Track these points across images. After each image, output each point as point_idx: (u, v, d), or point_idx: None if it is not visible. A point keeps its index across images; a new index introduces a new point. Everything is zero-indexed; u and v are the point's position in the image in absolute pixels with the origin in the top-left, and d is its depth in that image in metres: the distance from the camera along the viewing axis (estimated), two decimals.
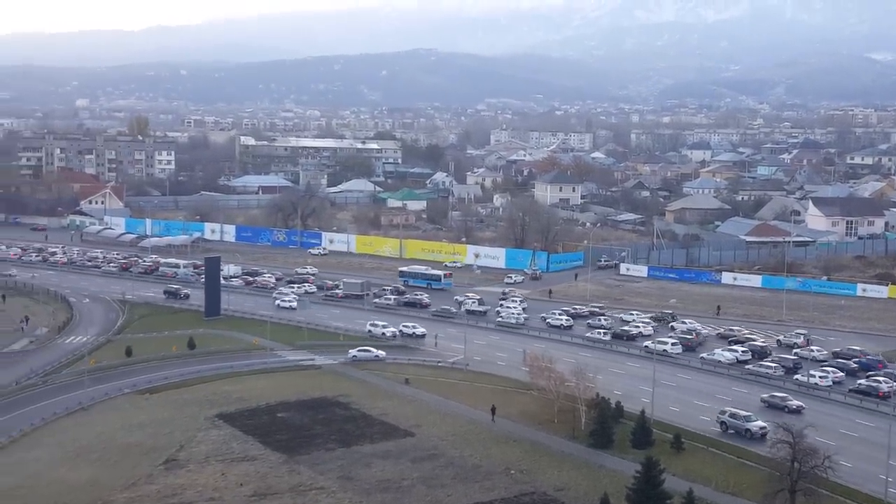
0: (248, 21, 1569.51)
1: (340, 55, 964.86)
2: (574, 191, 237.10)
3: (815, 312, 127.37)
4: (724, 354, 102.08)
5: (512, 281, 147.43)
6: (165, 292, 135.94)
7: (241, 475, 69.20)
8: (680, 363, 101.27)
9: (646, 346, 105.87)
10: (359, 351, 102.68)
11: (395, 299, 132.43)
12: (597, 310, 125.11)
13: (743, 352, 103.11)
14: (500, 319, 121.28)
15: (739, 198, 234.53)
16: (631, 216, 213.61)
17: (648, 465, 62.14)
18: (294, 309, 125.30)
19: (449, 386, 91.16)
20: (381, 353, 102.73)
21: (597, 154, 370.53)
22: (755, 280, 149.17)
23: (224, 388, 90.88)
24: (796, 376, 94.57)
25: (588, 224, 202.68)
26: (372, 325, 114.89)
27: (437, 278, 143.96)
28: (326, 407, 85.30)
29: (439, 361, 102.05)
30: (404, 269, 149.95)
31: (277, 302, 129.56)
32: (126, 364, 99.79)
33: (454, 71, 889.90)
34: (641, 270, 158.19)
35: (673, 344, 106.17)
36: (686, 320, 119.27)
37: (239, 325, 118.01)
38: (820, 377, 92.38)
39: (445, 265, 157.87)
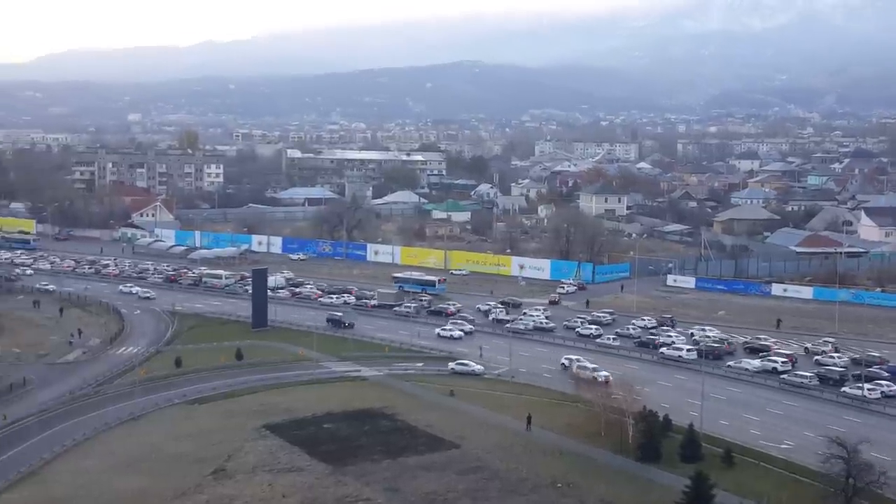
0: (295, 35, 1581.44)
1: (386, 68, 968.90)
2: (619, 202, 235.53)
3: (870, 325, 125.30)
4: (751, 363, 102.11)
5: (564, 291, 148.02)
6: (329, 320, 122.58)
7: (287, 486, 69.28)
8: (729, 376, 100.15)
9: (661, 353, 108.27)
10: (457, 364, 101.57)
11: (415, 307, 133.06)
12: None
13: (783, 362, 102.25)
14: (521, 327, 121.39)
15: (789, 208, 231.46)
16: (678, 227, 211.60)
17: (698, 480, 61.22)
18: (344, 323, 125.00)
19: (494, 398, 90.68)
20: (479, 367, 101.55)
21: (642, 164, 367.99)
22: (806, 292, 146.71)
23: (271, 399, 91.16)
24: (843, 388, 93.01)
25: (634, 235, 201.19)
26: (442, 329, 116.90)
27: (432, 283, 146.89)
28: (372, 418, 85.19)
29: (485, 373, 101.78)
30: (399, 274, 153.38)
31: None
32: (175, 375, 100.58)
33: (498, 82, 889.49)
34: (689, 282, 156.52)
35: (688, 350, 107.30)
36: (706, 327, 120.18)
37: (286, 336, 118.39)
38: (868, 389, 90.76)
39: (451, 272, 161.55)
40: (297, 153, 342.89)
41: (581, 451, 76.55)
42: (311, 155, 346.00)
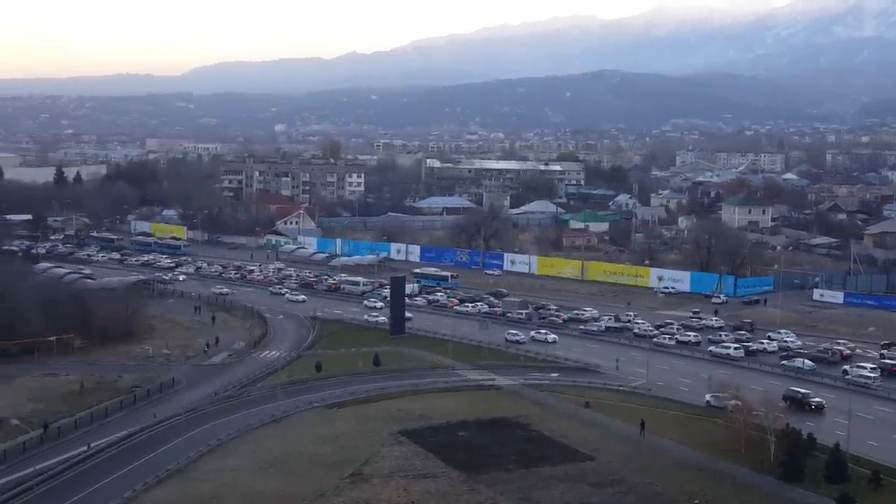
0: (436, 46, 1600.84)
1: (525, 78, 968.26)
2: (764, 213, 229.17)
3: None
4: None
5: (720, 301, 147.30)
6: (786, 398, 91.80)
7: (422, 492, 69.95)
8: (879, 394, 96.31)
9: (710, 350, 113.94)
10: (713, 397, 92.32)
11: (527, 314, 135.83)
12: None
13: (871, 369, 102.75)
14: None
15: None
16: (825, 240, 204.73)
17: (844, 502, 59.24)
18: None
19: (630, 410, 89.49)
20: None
21: (789, 175, 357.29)
22: None
23: (407, 405, 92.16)
24: None
25: (779, 248, 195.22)
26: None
27: (445, 278, 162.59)
28: (506, 427, 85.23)
29: (620, 385, 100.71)
30: (418, 270, 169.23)
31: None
32: (315, 379, 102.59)
33: (639, 92, 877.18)
34: (836, 297, 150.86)
35: (735, 349, 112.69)
36: (782, 330, 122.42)
37: (422, 343, 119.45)
38: None
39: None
40: (436, 163, 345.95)
41: (720, 468, 74.87)
42: (450, 164, 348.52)
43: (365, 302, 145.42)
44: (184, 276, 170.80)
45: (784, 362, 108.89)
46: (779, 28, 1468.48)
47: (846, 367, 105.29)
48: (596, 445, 79.91)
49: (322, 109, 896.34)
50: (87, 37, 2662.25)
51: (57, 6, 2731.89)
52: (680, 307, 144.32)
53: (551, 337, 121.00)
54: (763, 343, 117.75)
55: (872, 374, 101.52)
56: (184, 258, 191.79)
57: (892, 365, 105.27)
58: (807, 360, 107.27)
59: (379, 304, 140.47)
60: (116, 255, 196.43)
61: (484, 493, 69.78)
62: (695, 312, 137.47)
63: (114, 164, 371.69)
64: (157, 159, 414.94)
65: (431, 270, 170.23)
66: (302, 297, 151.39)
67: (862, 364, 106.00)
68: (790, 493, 70.09)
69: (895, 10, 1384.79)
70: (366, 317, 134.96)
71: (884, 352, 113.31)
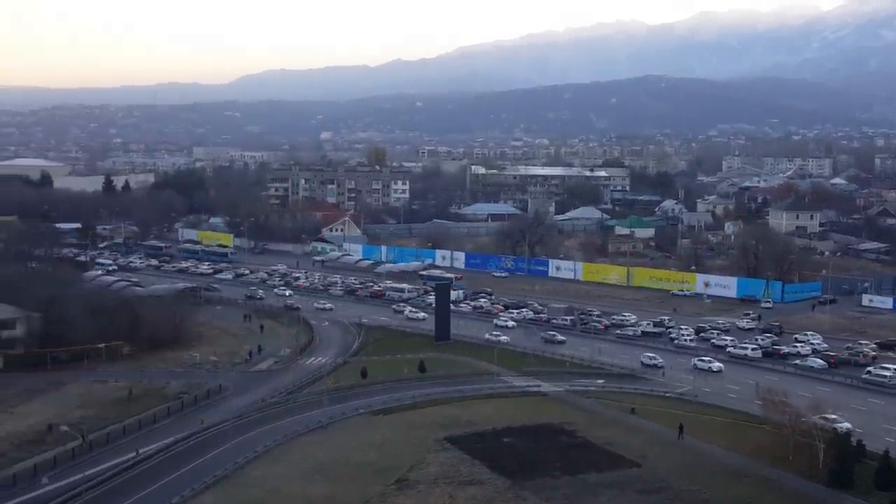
0: (480, 53, 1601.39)
1: (570, 83, 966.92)
2: (812, 218, 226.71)
3: None
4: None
5: (769, 306, 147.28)
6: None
7: (468, 498, 69.79)
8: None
9: (728, 350, 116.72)
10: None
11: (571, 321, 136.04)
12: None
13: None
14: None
15: None
16: (875, 245, 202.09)
17: None
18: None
19: (677, 417, 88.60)
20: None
21: (837, 180, 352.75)
22: None
23: (452, 412, 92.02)
24: None
25: (827, 253, 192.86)
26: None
27: (450, 280, 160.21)
28: (551, 434, 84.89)
29: (667, 392, 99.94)
30: (423, 273, 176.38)
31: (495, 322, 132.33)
32: (361, 385, 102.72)
33: (685, 96, 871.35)
34: (886, 302, 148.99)
35: (753, 349, 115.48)
36: (808, 332, 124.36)
37: (467, 349, 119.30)
38: None
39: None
40: (480, 169, 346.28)
41: (767, 475, 73.99)
42: (495, 171, 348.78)
43: (406, 311, 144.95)
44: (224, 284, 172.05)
45: (797, 362, 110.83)
46: (826, 32, 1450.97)
47: (870, 368, 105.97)
48: (642, 452, 79.31)
49: (367, 117, 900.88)
50: (134, 46, 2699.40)
51: (106, 16, 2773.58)
52: (727, 314, 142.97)
53: (716, 366, 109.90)
54: (796, 346, 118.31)
55: (889, 374, 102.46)
56: (227, 265, 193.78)
57: None
58: (819, 360, 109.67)
59: (421, 314, 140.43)
60: (155, 262, 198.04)
61: (530, 500, 69.48)
62: (745, 314, 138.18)
63: (161, 172, 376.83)
64: (203, 167, 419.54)
65: (437, 273, 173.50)
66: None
67: (885, 365, 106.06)
68: (839, 500, 69.19)
69: None
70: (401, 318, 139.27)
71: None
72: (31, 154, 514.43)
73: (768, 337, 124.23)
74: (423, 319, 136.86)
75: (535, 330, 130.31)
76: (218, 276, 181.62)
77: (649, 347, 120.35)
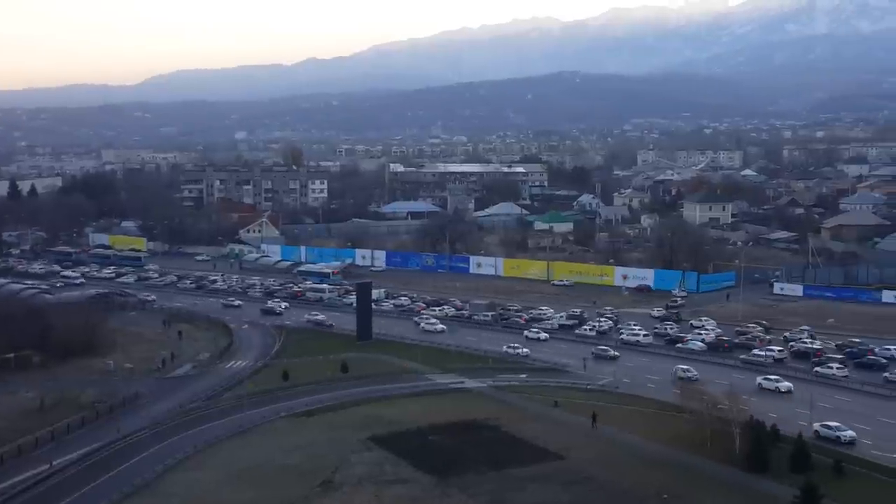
0: (395, 51, 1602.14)
1: (486, 80, 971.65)
2: (724, 210, 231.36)
3: None
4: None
5: (684, 296, 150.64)
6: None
7: (394, 498, 69.75)
8: (841, 385, 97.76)
9: (621, 338, 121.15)
10: (764, 379, 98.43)
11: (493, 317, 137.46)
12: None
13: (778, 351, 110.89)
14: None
15: None
16: (784, 234, 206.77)
17: (808, 491, 59.76)
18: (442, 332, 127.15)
19: (598, 409, 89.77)
20: (788, 384, 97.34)
21: (747, 171, 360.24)
22: None
23: (376, 411, 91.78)
24: None
25: (739, 243, 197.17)
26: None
27: (328, 275, 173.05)
28: (476, 430, 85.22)
29: (588, 384, 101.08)
30: (302, 268, 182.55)
31: (422, 325, 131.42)
32: (282, 388, 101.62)
33: (600, 92, 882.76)
34: (796, 290, 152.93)
35: (644, 336, 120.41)
36: (703, 318, 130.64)
37: (390, 348, 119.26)
38: None
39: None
40: (399, 167, 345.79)
41: (687, 462, 75.40)
42: (414, 169, 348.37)
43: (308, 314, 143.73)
44: (154, 297, 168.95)
45: (679, 345, 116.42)
46: (734, 27, 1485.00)
47: (756, 350, 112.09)
48: (566, 444, 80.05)
49: (283, 116, 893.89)
50: (39, 47, 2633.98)
51: (8, 15, 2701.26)
52: (645, 304, 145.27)
53: (612, 354, 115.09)
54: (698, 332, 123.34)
55: (772, 356, 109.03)
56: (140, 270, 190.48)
57: (795, 347, 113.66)
58: (699, 343, 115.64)
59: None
60: (55, 267, 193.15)
61: (455, 497, 69.69)
62: (668, 307, 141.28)
63: (69, 176, 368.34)
64: (114, 170, 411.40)
65: (315, 268, 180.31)
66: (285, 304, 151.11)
67: (771, 347, 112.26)
68: (755, 483, 70.73)
69: (847, 7, 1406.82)
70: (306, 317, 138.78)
71: (786, 334, 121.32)
72: None
73: (668, 324, 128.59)
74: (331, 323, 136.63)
75: (457, 326, 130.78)
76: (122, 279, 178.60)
77: (566, 341, 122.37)
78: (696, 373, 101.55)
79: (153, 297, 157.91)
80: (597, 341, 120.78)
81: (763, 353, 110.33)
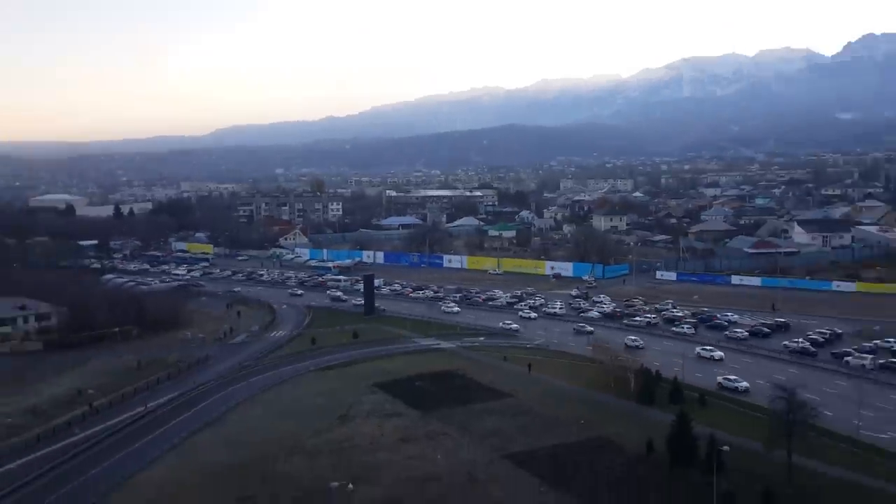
0: (392, 110, 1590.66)
1: (455, 131, 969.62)
2: (621, 220, 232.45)
3: (799, 303, 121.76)
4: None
5: (593, 281, 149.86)
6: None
7: (391, 426, 69.70)
8: (695, 340, 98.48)
9: (543, 310, 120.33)
10: (702, 349, 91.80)
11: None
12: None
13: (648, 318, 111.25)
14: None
15: (742, 221, 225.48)
16: (663, 237, 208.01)
17: (681, 417, 60.20)
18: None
19: (536, 362, 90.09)
20: (720, 353, 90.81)
21: (637, 193, 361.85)
22: (756, 281, 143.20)
23: (378, 366, 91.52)
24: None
25: (631, 244, 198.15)
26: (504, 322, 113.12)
27: (329, 268, 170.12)
28: (449, 377, 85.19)
29: (527, 344, 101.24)
30: (313, 263, 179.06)
31: (443, 308, 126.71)
32: (311, 350, 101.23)
33: (534, 139, 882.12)
34: (671, 276, 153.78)
35: (560, 308, 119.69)
36: (602, 295, 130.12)
37: (387, 321, 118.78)
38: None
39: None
40: (392, 193, 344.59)
41: (597, 398, 75.84)
42: (403, 194, 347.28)
43: (328, 292, 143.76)
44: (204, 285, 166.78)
45: (582, 314, 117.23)
46: (627, 92, 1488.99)
47: (637, 317, 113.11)
48: (513, 387, 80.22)
49: (310, 157, 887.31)
50: (134, 109, 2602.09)
51: (112, 86, 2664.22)
52: (566, 287, 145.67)
53: (533, 315, 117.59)
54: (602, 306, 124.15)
55: (647, 321, 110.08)
56: (206, 266, 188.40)
57: (665, 314, 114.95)
58: (595, 313, 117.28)
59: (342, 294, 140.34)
60: (148, 267, 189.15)
61: (435, 425, 69.75)
62: (579, 288, 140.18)
63: (157, 201, 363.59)
64: (189, 197, 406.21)
65: (323, 263, 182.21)
66: (300, 291, 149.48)
67: (646, 315, 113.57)
68: (645, 412, 71.27)
69: (704, 78, 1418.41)
70: (327, 301, 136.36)
71: (656, 306, 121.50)
72: (58, 191, 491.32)
73: (580, 301, 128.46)
74: (347, 301, 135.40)
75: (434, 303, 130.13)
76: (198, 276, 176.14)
77: (506, 314, 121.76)
78: (592, 329, 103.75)
79: (238, 288, 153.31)
80: (534, 313, 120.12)
81: (641, 318, 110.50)
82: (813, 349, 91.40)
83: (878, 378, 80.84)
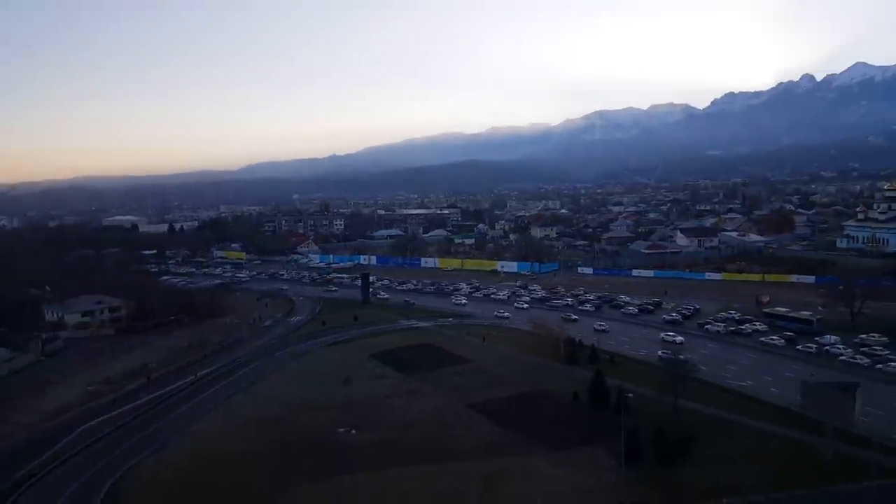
0: (382, 150, 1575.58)
1: (428, 165, 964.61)
2: (552, 230, 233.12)
3: (682, 289, 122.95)
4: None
5: (529, 277, 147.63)
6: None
7: (383, 385, 69.64)
8: (612, 318, 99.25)
9: (490, 296, 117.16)
10: (665, 335, 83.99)
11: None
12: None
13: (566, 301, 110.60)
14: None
15: (640, 230, 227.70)
16: (582, 242, 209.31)
17: (597, 373, 61.14)
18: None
19: (493, 335, 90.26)
20: (680, 338, 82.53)
21: (563, 210, 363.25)
22: (650, 273, 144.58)
23: (373, 341, 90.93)
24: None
25: (560, 247, 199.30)
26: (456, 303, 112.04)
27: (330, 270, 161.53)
28: (426, 348, 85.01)
29: (485, 322, 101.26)
30: (312, 265, 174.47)
31: (453, 300, 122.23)
32: (321, 330, 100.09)
33: (487, 172, 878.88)
34: (589, 271, 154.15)
35: (502, 294, 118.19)
36: (534, 285, 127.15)
37: (380, 307, 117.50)
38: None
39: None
40: (382, 212, 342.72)
41: (537, 362, 76.26)
42: (390, 212, 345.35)
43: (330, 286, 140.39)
44: (247, 278, 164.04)
45: (516, 300, 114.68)
46: (554, 135, 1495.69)
47: (556, 300, 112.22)
48: (475, 355, 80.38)
49: (318, 186, 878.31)
50: (182, 147, 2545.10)
51: (164, 128, 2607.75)
52: (511, 280, 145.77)
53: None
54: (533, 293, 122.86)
55: (566, 303, 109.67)
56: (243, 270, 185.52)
57: (579, 297, 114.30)
58: (527, 299, 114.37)
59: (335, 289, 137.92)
60: (194, 270, 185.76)
61: (415, 384, 69.81)
62: (520, 284, 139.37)
63: (201, 220, 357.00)
64: (226, 216, 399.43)
65: (322, 264, 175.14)
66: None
67: (566, 298, 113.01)
68: (571, 371, 71.79)
69: (610, 126, 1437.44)
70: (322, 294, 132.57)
71: (572, 291, 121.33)
72: (124, 213, 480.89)
73: (520, 290, 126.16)
74: (336, 292, 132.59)
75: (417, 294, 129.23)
76: (238, 275, 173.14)
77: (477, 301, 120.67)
78: (527, 307, 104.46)
79: (286, 287, 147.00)
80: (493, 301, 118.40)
81: (561, 301, 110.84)
82: (682, 320, 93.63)
83: (733, 341, 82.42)
